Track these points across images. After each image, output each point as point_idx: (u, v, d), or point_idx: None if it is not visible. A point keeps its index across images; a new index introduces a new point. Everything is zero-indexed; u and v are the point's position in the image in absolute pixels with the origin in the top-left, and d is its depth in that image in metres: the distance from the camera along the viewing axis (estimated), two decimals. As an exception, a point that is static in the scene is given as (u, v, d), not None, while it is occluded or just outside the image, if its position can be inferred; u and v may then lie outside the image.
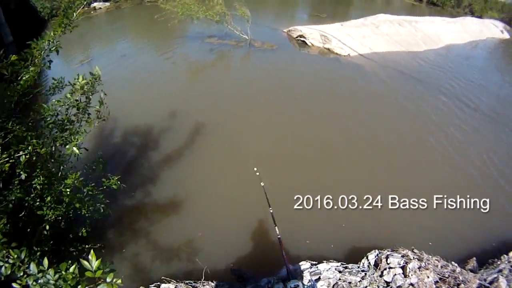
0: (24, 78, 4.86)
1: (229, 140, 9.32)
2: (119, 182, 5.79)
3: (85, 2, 5.19)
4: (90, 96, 5.42)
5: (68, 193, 5.08)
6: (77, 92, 5.20)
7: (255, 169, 6.33)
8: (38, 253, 4.88)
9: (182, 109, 10.62)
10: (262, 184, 5.99)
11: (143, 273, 6.01)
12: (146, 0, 24.61)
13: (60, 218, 5.28)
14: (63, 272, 2.75)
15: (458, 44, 18.21)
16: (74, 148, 4.48)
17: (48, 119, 4.96)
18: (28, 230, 5.16)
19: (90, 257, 2.65)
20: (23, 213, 5.04)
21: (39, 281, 2.75)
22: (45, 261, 2.83)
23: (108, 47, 17.69)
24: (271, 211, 5.43)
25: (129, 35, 19.91)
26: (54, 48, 5.01)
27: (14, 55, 4.48)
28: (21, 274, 2.82)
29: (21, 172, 4.79)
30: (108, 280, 2.64)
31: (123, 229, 6.92)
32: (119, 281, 2.68)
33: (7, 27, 17.55)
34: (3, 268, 2.84)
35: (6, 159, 4.43)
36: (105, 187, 5.72)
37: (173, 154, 8.73)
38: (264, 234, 6.64)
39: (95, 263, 2.64)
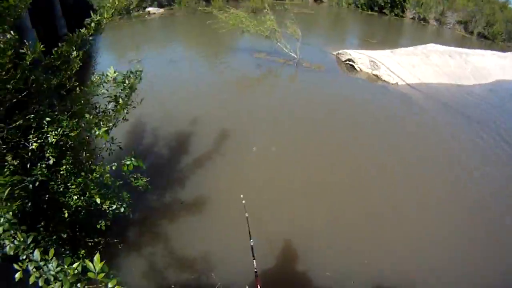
0: (61, 68, 4.96)
1: (262, 160, 8.98)
2: (147, 184, 5.77)
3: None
4: (127, 93, 5.39)
5: (93, 186, 5.04)
6: (111, 83, 5.21)
7: (242, 196, 5.83)
8: (54, 237, 4.80)
9: (221, 120, 10.50)
10: (246, 215, 5.42)
11: (155, 277, 5.80)
12: (199, 9, 25.30)
13: (80, 208, 5.20)
14: (66, 267, 2.54)
15: (509, 80, 16.97)
16: (102, 132, 4.37)
17: (79, 106, 4.95)
18: (48, 213, 5.09)
19: (95, 258, 2.46)
20: (45, 196, 4.97)
21: (40, 269, 2.55)
22: (51, 252, 2.65)
23: (157, 50, 18.13)
24: (252, 243, 4.98)
25: (179, 41, 20.39)
26: (88, 45, 5.08)
27: (39, 43, 4.50)
28: (24, 257, 2.65)
29: (50, 157, 4.78)
30: (110, 285, 2.46)
31: (144, 229, 6.77)
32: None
33: (63, 20, 18.54)
34: (7, 247, 2.74)
35: (35, 139, 4.41)
36: (133, 185, 5.67)
37: (204, 163, 8.56)
38: (289, 259, 6.25)
39: (98, 266, 2.49)
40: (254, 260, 4.66)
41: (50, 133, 4.45)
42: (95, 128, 4.50)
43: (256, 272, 4.51)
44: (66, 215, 5.00)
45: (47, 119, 4.48)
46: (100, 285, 2.52)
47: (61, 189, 5.04)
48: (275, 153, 9.14)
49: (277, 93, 13.16)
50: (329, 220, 7.22)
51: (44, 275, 2.50)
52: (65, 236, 5.01)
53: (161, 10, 27.11)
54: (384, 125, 10.85)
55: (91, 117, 4.87)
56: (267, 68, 15.43)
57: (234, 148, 9.15)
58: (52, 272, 2.51)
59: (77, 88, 5.17)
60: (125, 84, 5.32)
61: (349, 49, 16.64)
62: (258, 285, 4.29)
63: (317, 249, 6.48)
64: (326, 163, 8.92)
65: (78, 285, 2.48)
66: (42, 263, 2.56)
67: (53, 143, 4.55)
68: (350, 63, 15.67)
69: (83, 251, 5.36)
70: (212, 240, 6.49)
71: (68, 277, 2.47)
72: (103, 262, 2.52)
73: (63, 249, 4.95)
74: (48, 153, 4.74)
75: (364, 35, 21.64)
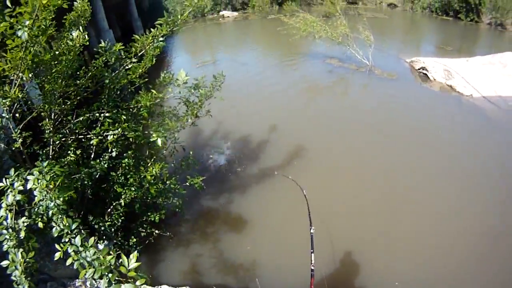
0: (128, 67, 5.18)
1: (327, 173, 8.44)
2: (202, 184, 5.89)
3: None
4: (203, 99, 5.60)
5: (150, 180, 5.23)
6: (180, 87, 5.21)
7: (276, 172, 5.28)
8: (107, 223, 5.12)
9: (289, 127, 10.33)
10: (304, 192, 5.04)
11: (197, 275, 5.89)
12: (269, 17, 25.73)
13: (137, 199, 5.50)
14: (101, 257, 2.69)
15: None
16: (159, 140, 4.50)
17: (142, 110, 5.19)
18: (106, 200, 5.45)
19: (131, 256, 2.63)
20: (105, 185, 5.33)
21: (79, 253, 2.74)
22: (91, 240, 2.83)
23: (230, 53, 18.58)
24: (312, 232, 4.27)
25: (252, 45, 20.68)
26: (156, 46, 5.08)
27: (119, 44, 4.74)
28: (67, 240, 2.86)
29: (113, 150, 5.13)
30: (138, 283, 2.60)
31: (196, 228, 6.93)
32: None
33: (140, 22, 19.96)
34: (54, 230, 2.97)
35: (96, 135, 4.74)
36: (188, 184, 5.84)
37: (266, 171, 8.40)
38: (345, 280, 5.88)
39: (133, 264, 2.64)
40: (312, 255, 3.93)
41: (111, 131, 4.76)
42: (153, 135, 4.61)
43: (312, 270, 3.82)
44: (123, 204, 5.32)
45: (108, 120, 4.79)
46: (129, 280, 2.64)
47: (121, 180, 5.37)
48: (339, 168, 8.60)
49: (347, 101, 12.61)
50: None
51: (80, 260, 2.68)
52: (119, 223, 5.32)
53: (235, 13, 27.91)
54: (450, 143, 9.59)
55: (149, 122, 5.10)
56: (339, 75, 14.94)
57: (297, 162, 8.73)
58: (88, 259, 2.68)
59: (142, 88, 5.47)
60: (200, 91, 5.49)
61: (424, 56, 15.57)
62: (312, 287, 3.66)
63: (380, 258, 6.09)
64: (385, 179, 8.17)
65: (110, 275, 2.60)
66: (81, 249, 2.73)
67: (112, 141, 4.87)
68: (424, 71, 14.66)
69: (135, 239, 5.66)
70: (263, 249, 6.34)
71: (102, 267, 2.61)
72: (138, 264, 2.66)
73: (114, 235, 5.29)
74: (110, 146, 5.10)
75: (439, 41, 19.88)
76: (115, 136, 4.72)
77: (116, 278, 2.62)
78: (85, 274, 2.62)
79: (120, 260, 2.64)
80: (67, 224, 2.88)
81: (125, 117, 5.01)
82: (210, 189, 7.66)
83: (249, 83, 13.82)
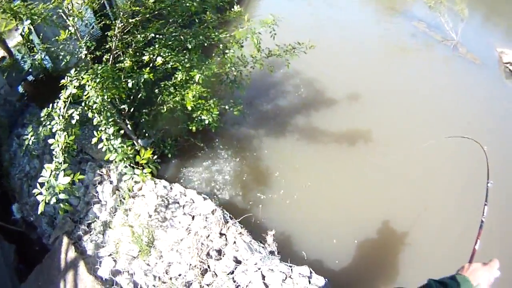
0: None
1: (388, 152, 7.54)
2: (244, 111, 6.43)
3: None
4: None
5: (188, 96, 5.72)
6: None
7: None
8: (149, 122, 5.96)
9: (354, 87, 9.56)
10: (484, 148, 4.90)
11: (209, 187, 6.67)
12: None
13: (178, 108, 6.16)
14: (125, 146, 3.44)
15: None
16: (198, 77, 5.21)
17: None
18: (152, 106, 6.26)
19: (147, 152, 3.31)
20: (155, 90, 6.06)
21: (109, 141, 3.51)
22: (119, 134, 3.59)
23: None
24: (489, 185, 4.48)
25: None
26: None
27: None
28: (102, 129, 3.63)
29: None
30: (145, 171, 3.36)
31: (228, 147, 7.48)
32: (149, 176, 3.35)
33: None
34: (94, 120, 3.76)
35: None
36: (227, 108, 6.43)
37: (314, 127, 8.15)
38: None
39: (147, 155, 3.34)
40: (485, 207, 4.19)
41: (160, 56, 5.34)
42: (194, 70, 5.22)
43: (482, 221, 4.04)
44: (165, 109, 6.07)
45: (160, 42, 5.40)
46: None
47: (170, 90, 6.02)
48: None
49: (424, 72, 11.39)
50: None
51: (109, 146, 3.47)
52: (160, 124, 6.17)
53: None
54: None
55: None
56: (422, 42, 13.55)
57: (355, 130, 8.09)
58: (115, 146, 3.46)
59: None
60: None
61: (518, 49, 13.76)
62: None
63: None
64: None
65: (125, 159, 3.37)
66: (112, 137, 3.51)
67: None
68: (510, 67, 13.12)
69: (171, 142, 6.53)
70: (274, 188, 6.71)
71: (120, 153, 3.38)
72: (149, 156, 3.38)
73: (154, 133, 6.18)
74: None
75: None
76: (162, 60, 5.28)
77: (131, 164, 3.39)
78: (110, 157, 3.42)
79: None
80: (105, 117, 3.64)
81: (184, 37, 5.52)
82: (260, 121, 8.06)
83: (325, 25, 13.48)
